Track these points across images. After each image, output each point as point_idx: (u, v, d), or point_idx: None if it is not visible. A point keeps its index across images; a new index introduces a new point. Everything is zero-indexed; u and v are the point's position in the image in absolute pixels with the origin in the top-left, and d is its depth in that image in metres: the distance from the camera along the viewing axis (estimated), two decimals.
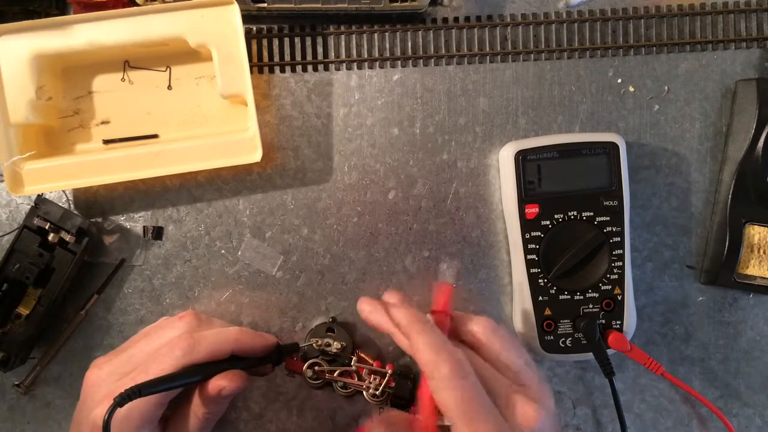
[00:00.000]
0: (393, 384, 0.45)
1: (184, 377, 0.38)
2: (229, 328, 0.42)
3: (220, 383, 0.39)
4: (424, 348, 0.35)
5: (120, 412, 0.36)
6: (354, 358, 0.46)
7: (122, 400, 0.34)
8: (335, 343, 0.46)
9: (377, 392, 0.44)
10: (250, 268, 0.48)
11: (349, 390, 0.46)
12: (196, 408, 0.40)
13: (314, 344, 0.46)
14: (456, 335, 0.40)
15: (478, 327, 0.39)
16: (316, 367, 0.45)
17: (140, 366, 0.39)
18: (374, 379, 0.45)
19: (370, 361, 0.46)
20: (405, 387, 0.45)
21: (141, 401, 0.36)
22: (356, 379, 0.45)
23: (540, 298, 0.46)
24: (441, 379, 0.34)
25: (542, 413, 0.35)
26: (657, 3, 0.49)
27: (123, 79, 0.48)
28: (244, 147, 0.45)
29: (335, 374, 0.45)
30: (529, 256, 0.46)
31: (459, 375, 0.34)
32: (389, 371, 0.45)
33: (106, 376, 0.39)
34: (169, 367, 0.38)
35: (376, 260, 0.49)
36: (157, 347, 0.40)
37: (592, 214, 0.46)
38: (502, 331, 0.39)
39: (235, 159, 0.45)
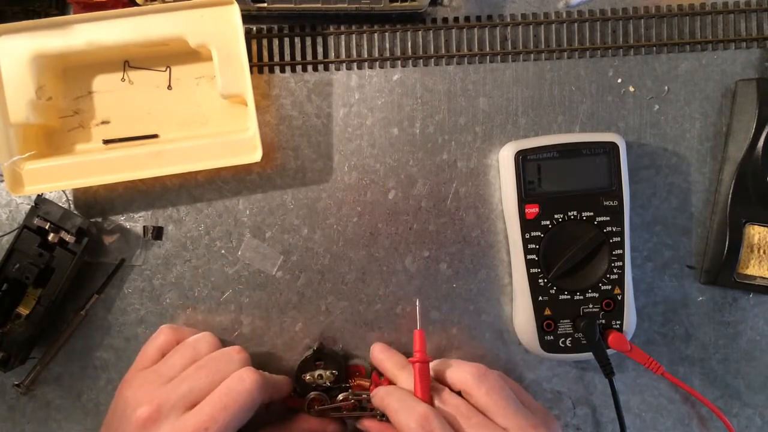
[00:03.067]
0: None
1: None
2: (280, 376, 0.45)
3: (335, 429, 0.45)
4: (392, 414, 0.40)
5: None
6: (350, 389, 0.46)
7: None
8: (327, 372, 0.45)
9: (385, 418, 0.44)
10: (250, 268, 0.48)
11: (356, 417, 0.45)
12: None
13: (306, 380, 0.46)
14: (445, 382, 0.43)
15: (463, 374, 0.41)
16: (317, 406, 0.45)
17: (213, 401, 0.38)
18: None
19: (366, 384, 0.46)
20: None
21: None
22: (358, 406, 0.45)
23: (540, 298, 0.46)
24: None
25: None
26: (657, 3, 0.49)
27: (123, 79, 0.48)
28: (244, 147, 0.45)
29: (339, 410, 0.45)
30: (529, 256, 0.46)
31: (425, 427, 0.37)
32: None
33: (169, 411, 0.38)
34: (247, 404, 0.38)
35: (376, 260, 0.49)
36: (218, 379, 0.39)
37: (592, 214, 0.46)
38: (491, 377, 0.41)
39: (235, 159, 0.45)
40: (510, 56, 0.49)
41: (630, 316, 0.46)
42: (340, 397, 0.45)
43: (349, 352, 0.49)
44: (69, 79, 0.47)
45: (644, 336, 0.49)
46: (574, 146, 0.46)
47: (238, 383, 0.39)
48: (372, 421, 0.44)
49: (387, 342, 0.48)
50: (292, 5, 0.46)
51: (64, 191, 0.48)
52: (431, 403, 0.40)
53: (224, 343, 0.47)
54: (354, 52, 0.49)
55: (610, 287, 0.46)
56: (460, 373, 0.42)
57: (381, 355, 0.46)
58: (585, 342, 0.45)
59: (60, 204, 0.46)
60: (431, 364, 0.44)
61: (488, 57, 0.49)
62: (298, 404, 0.45)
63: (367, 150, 0.49)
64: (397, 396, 0.41)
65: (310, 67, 0.49)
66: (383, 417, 0.44)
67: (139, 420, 0.37)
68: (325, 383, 0.45)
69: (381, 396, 0.42)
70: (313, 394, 0.45)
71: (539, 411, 0.43)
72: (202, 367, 0.40)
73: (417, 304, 0.46)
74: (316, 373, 0.45)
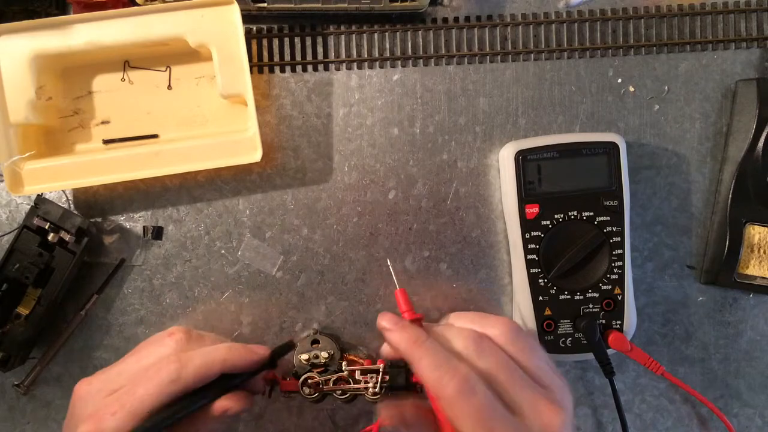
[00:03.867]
0: (387, 377, 0.45)
1: (181, 411, 0.37)
2: (218, 346, 0.40)
3: (225, 404, 0.39)
4: (425, 370, 0.35)
5: None
6: (344, 363, 0.46)
7: None
8: (322, 353, 0.46)
9: (377, 389, 0.44)
10: (250, 268, 0.48)
11: (348, 395, 0.46)
12: (199, 428, 0.39)
13: (303, 360, 0.46)
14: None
15: (497, 330, 0.38)
16: (309, 381, 0.45)
17: (127, 385, 0.38)
18: (370, 377, 0.44)
19: (361, 361, 0.46)
20: (399, 376, 0.45)
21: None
22: (351, 383, 0.45)
23: (540, 298, 0.46)
24: (448, 399, 0.34)
25: (565, 417, 0.34)
26: (657, 3, 0.49)
27: (123, 79, 0.48)
28: (244, 147, 0.45)
29: (330, 383, 0.45)
30: (529, 256, 0.46)
31: (466, 393, 0.33)
32: (381, 366, 0.45)
33: (95, 392, 0.38)
34: (156, 391, 0.37)
35: (376, 260, 0.49)
36: (146, 366, 0.39)
37: (592, 214, 0.46)
38: (523, 334, 0.39)
39: (235, 159, 0.45)
40: (510, 56, 0.49)
41: (630, 316, 0.46)
42: (334, 377, 0.45)
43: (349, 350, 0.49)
44: (69, 79, 0.47)
45: (644, 336, 0.49)
46: (574, 146, 0.46)
47: (154, 372, 0.38)
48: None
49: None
50: (292, 5, 0.46)
51: (64, 191, 0.48)
52: None
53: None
54: (354, 52, 0.49)
55: (610, 287, 0.46)
56: (458, 341, 0.37)
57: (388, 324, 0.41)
58: (585, 342, 0.45)
59: (60, 204, 0.46)
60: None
61: (488, 57, 0.49)
62: (293, 386, 0.46)
63: (367, 150, 0.49)
64: (430, 349, 0.36)
65: (310, 67, 0.49)
66: (375, 390, 0.43)
67: (74, 397, 0.39)
68: (320, 362, 0.46)
69: (410, 341, 0.36)
70: (307, 374, 0.46)
71: (548, 378, 0.37)
72: (134, 353, 0.41)
73: (389, 264, 0.45)
74: (312, 353, 0.46)
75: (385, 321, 0.39)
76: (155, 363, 0.39)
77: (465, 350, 0.36)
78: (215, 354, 0.39)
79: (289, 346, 0.44)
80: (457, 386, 0.33)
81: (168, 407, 0.37)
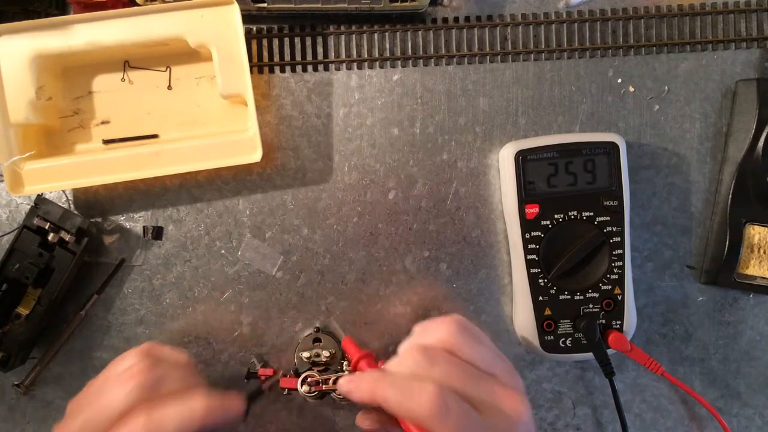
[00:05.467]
0: None
1: None
2: (194, 401, 0.36)
3: None
4: (396, 407, 0.34)
5: None
6: (345, 363, 0.46)
7: None
8: (324, 352, 0.46)
9: None
10: (250, 268, 0.48)
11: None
12: None
13: (304, 358, 0.46)
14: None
15: (442, 332, 0.38)
16: (309, 379, 0.45)
17: None
18: None
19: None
20: None
21: None
22: None
23: (540, 298, 0.46)
24: (427, 422, 0.33)
25: (519, 396, 0.35)
26: (657, 3, 0.49)
27: (123, 79, 0.48)
28: (244, 147, 0.45)
29: (330, 382, 0.45)
30: (529, 256, 0.46)
31: (442, 413, 0.33)
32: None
33: None
34: None
35: (376, 260, 0.49)
36: (109, 417, 0.35)
37: (592, 214, 0.46)
38: (466, 328, 0.38)
39: (235, 159, 0.45)
40: (510, 56, 0.49)
41: (630, 316, 0.46)
42: (334, 377, 0.45)
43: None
44: (69, 79, 0.47)
45: (644, 336, 0.49)
46: (574, 146, 0.46)
47: None
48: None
49: (387, 342, 0.48)
50: (292, 5, 0.46)
51: (64, 191, 0.48)
52: None
53: (223, 344, 0.48)
54: (354, 52, 0.49)
55: (610, 287, 0.46)
56: (408, 362, 0.36)
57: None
58: (585, 342, 0.45)
59: (60, 204, 0.46)
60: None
61: (488, 57, 0.49)
62: (292, 383, 0.46)
63: (367, 150, 0.49)
64: (389, 384, 0.35)
65: (310, 67, 0.49)
66: None
67: None
68: (321, 361, 0.46)
69: (369, 390, 0.35)
70: (307, 372, 0.46)
71: (496, 366, 0.37)
72: (91, 396, 0.37)
73: (333, 320, 0.47)
74: (314, 351, 0.46)
75: (343, 386, 0.37)
76: (123, 421, 0.34)
77: (417, 367, 0.36)
78: (193, 414, 0.35)
79: (259, 392, 0.44)
80: (429, 409, 0.33)
81: None
